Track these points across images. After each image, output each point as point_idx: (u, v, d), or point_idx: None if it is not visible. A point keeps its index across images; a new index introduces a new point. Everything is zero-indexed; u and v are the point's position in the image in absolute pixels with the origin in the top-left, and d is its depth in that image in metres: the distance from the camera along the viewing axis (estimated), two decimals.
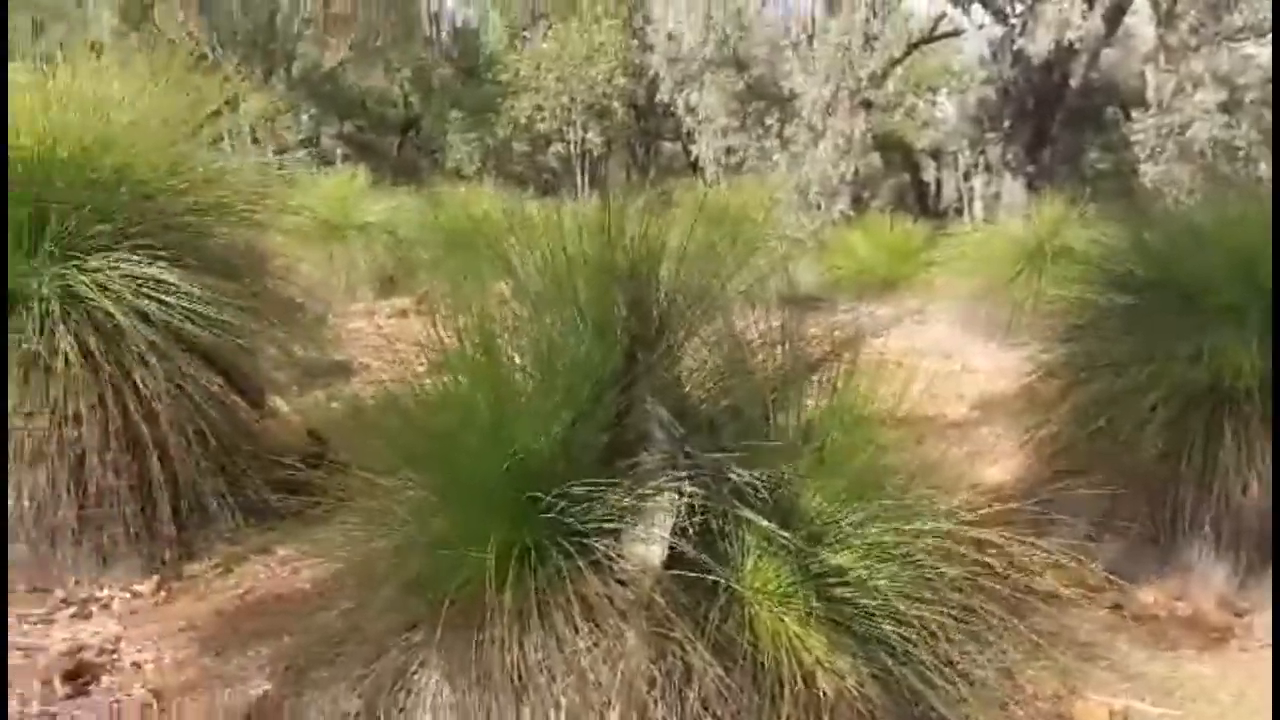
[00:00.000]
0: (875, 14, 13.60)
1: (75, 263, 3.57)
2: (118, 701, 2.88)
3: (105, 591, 3.61)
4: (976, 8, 15.17)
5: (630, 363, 2.35)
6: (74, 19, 17.20)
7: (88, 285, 3.50)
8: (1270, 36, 12.03)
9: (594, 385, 2.28)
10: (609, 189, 23.05)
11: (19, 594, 3.52)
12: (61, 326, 3.43)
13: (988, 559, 2.42)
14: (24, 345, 3.41)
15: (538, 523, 2.22)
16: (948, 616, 2.33)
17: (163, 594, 3.63)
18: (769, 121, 16.56)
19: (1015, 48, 14.08)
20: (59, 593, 3.57)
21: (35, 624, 3.41)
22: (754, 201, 12.37)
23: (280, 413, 4.76)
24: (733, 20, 16.10)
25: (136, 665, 3.13)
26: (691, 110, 16.52)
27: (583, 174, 23.59)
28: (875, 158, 19.92)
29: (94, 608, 3.53)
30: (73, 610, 3.51)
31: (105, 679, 3.03)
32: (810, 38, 14.16)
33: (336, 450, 5.03)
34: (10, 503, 3.43)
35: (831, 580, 2.39)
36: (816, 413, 2.60)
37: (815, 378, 2.80)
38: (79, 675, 3.00)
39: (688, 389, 2.56)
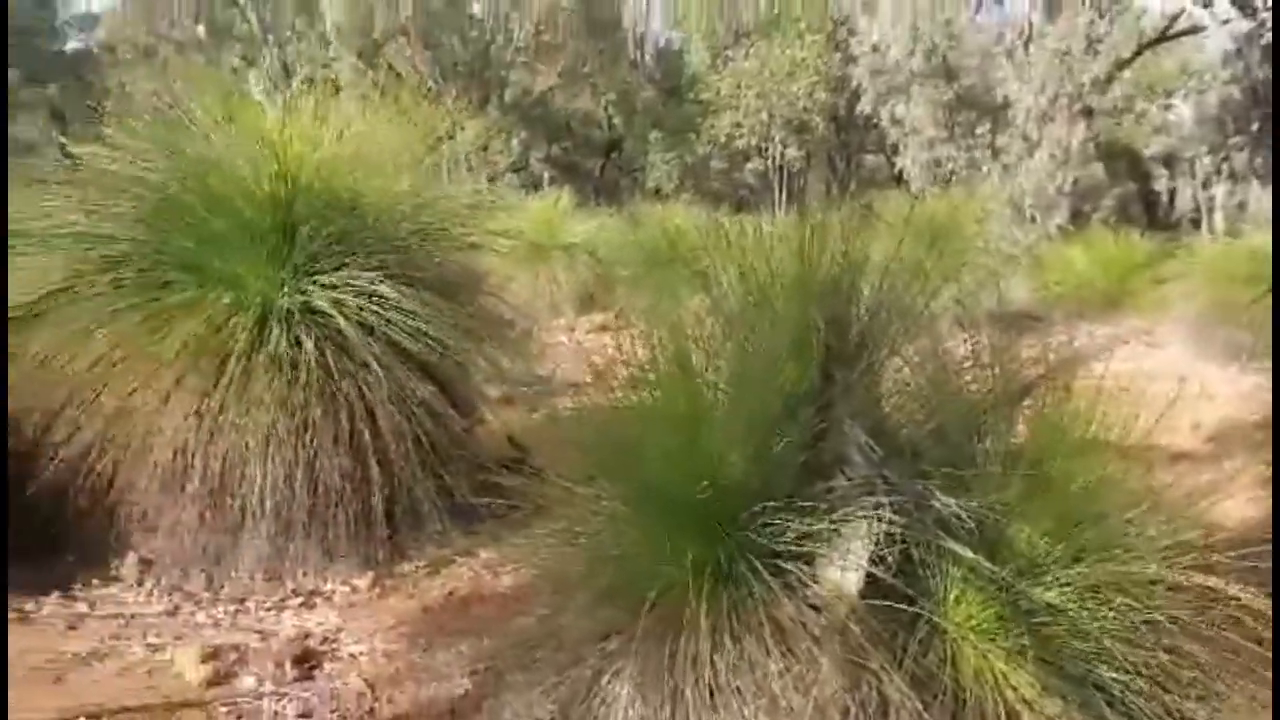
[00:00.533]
0: (1101, 15, 12.80)
1: (315, 279, 3.89)
2: (337, 688, 3.10)
3: (328, 585, 3.90)
4: (1221, 1, 13.96)
5: (827, 381, 2.30)
6: (318, 59, 18.79)
7: (324, 300, 3.81)
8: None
9: (790, 404, 2.25)
10: (807, 203, 22.83)
11: (258, 582, 3.85)
12: (304, 336, 3.74)
13: (1215, 605, 2.20)
14: (270, 350, 3.74)
15: (731, 541, 2.21)
16: (1172, 664, 2.13)
17: (377, 590, 3.88)
18: (979, 131, 15.91)
19: (1264, 42, 12.86)
20: (289, 583, 3.88)
21: (269, 610, 3.73)
22: (963, 215, 11.88)
23: (486, 422, 4.99)
24: (941, 30, 15.57)
25: (353, 656, 3.36)
26: (897, 122, 16.09)
27: (781, 189, 23.46)
28: (1097, 168, 18.73)
29: (318, 599, 3.82)
30: (300, 600, 3.81)
31: (327, 666, 3.27)
32: (1026, 43, 13.47)
33: (536, 459, 5.26)
34: (253, 497, 3.76)
35: (1042, 618, 2.24)
36: (1029, 440, 2.45)
37: (1028, 402, 2.65)
38: (305, 660, 3.25)
39: (888, 410, 2.47)
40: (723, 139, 22.56)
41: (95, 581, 3.96)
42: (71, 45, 29.25)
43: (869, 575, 2.16)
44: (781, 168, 22.98)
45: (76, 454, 3.76)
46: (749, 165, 24.21)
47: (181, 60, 23.15)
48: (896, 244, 2.71)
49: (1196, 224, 15.93)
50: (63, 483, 3.75)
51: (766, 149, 22.86)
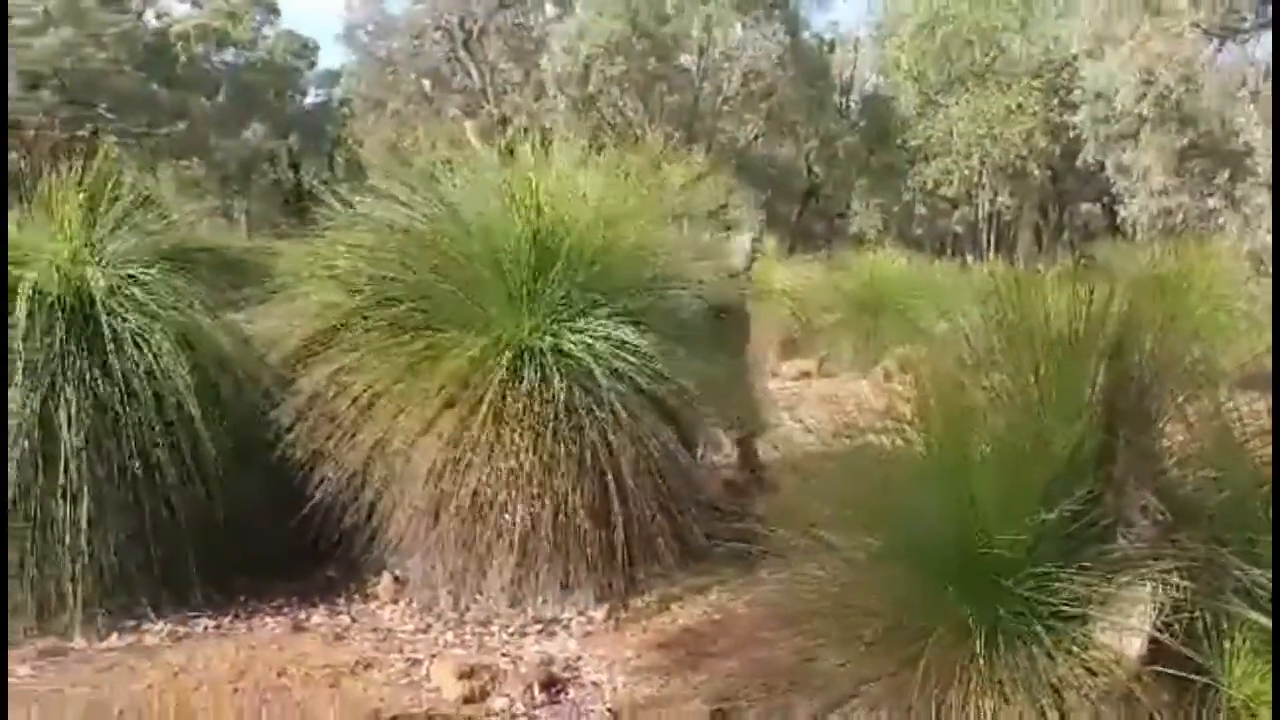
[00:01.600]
0: None
1: (564, 324, 4.13)
2: (583, 713, 3.24)
3: (566, 614, 4.07)
4: None
5: (1109, 441, 2.25)
6: (533, 111, 19.83)
7: (573, 343, 4.03)
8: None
9: (1069, 462, 2.21)
10: (1018, 253, 21.88)
11: (501, 607, 4.07)
12: (553, 376, 3.96)
13: None
14: (522, 389, 3.98)
15: (1005, 600, 2.18)
16: None
17: (612, 622, 4.02)
18: (1217, 180, 14.85)
19: None
20: (530, 611, 4.08)
21: (512, 634, 3.95)
22: (1198, 269, 11.11)
23: (714, 464, 5.10)
24: (1176, 72, 14.68)
25: (595, 684, 3.49)
26: (1123, 170, 15.25)
27: (990, 236, 22.68)
28: None
29: (557, 628, 4.00)
30: (540, 627, 4.00)
31: (572, 691, 3.42)
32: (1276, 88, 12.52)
33: (761, 503, 5.30)
34: (501, 527, 3.99)
35: None
36: None
37: None
38: (551, 685, 3.42)
39: (1172, 472, 2.38)
40: (929, 185, 22.10)
41: (356, 597, 4.32)
42: (310, 99, 32.18)
43: (1154, 640, 2.08)
44: (991, 216, 22.23)
45: (343, 480, 4.11)
46: (957, 213, 23.56)
47: (410, 112, 24.86)
48: (1164, 302, 2.63)
49: None
50: (330, 505, 4.11)
51: (975, 196, 22.19)
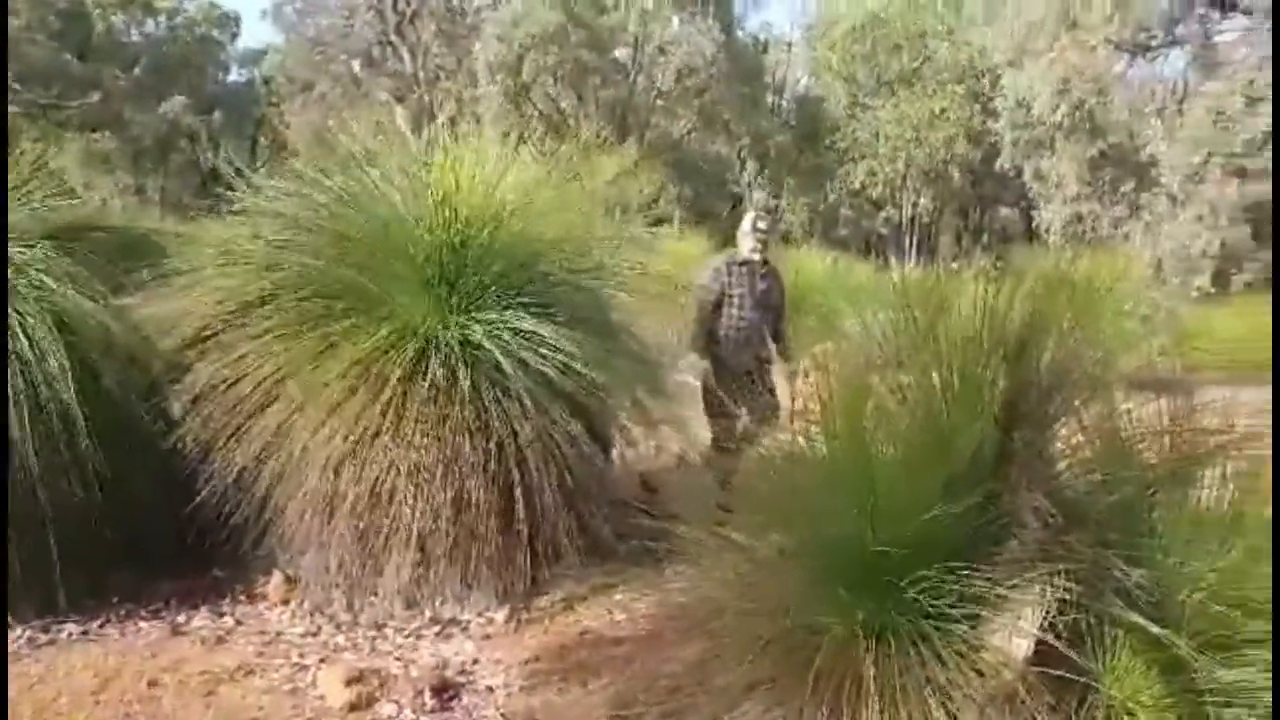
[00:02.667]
0: (1262, 71, 12.23)
1: (475, 315, 4.01)
2: None
3: (465, 615, 3.96)
4: None
5: (1005, 443, 2.23)
6: (465, 99, 19.55)
7: (482, 334, 3.91)
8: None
9: (970, 464, 2.19)
10: (939, 254, 22.32)
11: (396, 609, 3.94)
12: (460, 368, 3.84)
13: None
14: (426, 381, 3.86)
15: (897, 601, 2.15)
16: None
17: (514, 624, 3.92)
18: (1123, 189, 15.35)
19: None
20: (428, 612, 3.95)
21: (407, 637, 3.82)
22: (1104, 274, 11.45)
23: (623, 460, 5.02)
24: (1089, 85, 15.12)
25: (490, 689, 3.39)
26: (1041, 177, 15.67)
27: (912, 238, 23.10)
28: (1245, 230, 17.79)
29: (455, 630, 3.88)
30: (438, 629, 3.88)
31: (465, 698, 3.31)
32: (1180, 101, 12.99)
33: (667, 500, 5.24)
34: (398, 525, 3.85)
35: (1221, 697, 2.12)
36: (1215, 511, 2.32)
37: (1208, 470, 2.51)
38: (444, 691, 3.31)
39: (1063, 475, 2.38)
40: (856, 186, 22.41)
41: (243, 598, 4.13)
42: (233, 78, 31.28)
43: (1039, 642, 2.08)
44: (914, 218, 22.65)
45: (234, 474, 3.93)
46: (881, 214, 23.95)
47: (338, 95, 24.34)
48: (1062, 303, 2.63)
49: None
50: (218, 500, 3.92)
51: (899, 198, 22.58)
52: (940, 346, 2.52)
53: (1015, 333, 2.35)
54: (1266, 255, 19.24)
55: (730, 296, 5.37)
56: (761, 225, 5.53)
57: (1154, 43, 13.99)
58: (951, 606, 2.16)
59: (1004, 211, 26.04)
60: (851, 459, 2.40)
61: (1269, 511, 2.22)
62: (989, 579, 2.14)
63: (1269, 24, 12.24)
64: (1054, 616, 2.11)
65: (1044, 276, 2.89)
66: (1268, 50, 12.14)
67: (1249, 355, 10.40)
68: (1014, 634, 2.11)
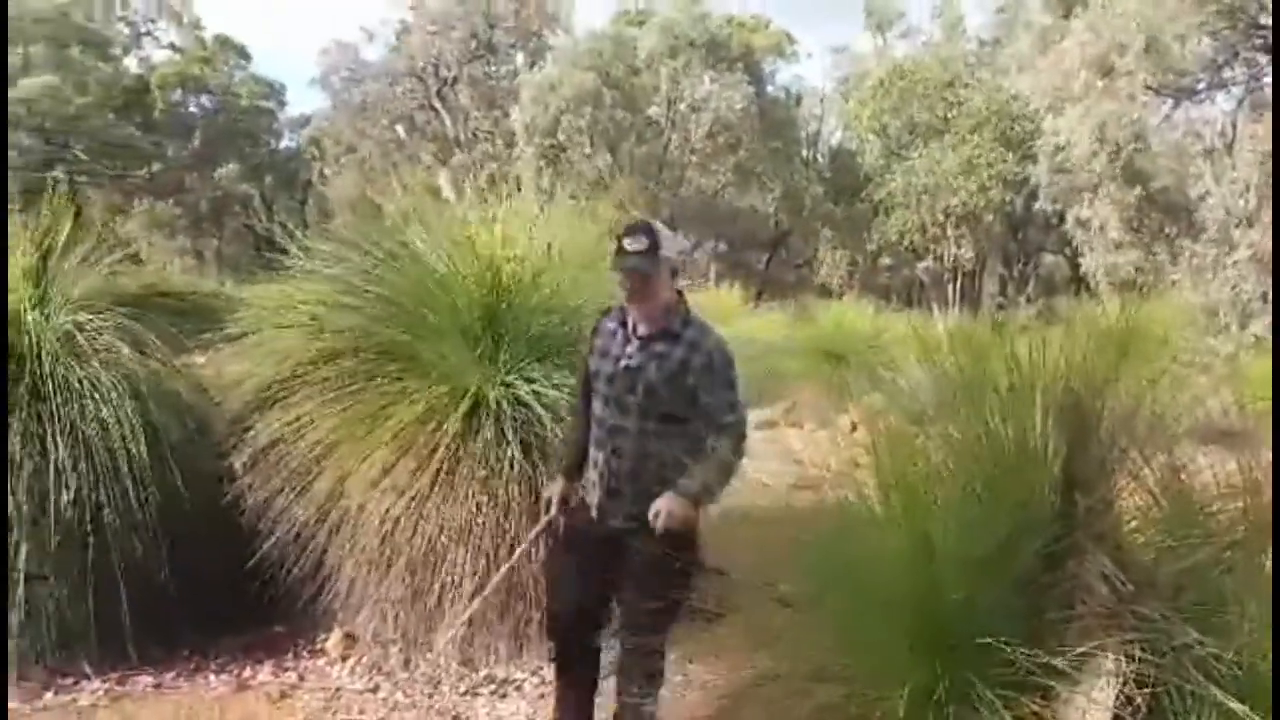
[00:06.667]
0: None
1: (520, 374, 4.06)
2: None
3: (519, 674, 3.94)
4: None
5: (1067, 503, 2.21)
6: (501, 157, 19.94)
7: (529, 394, 3.96)
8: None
9: (1027, 523, 2.16)
10: (982, 303, 22.14)
11: (452, 666, 3.94)
12: (508, 428, 3.89)
13: None
14: (478, 440, 3.90)
15: (962, 667, 2.11)
16: None
17: None
18: (1169, 234, 15.19)
19: None
20: (482, 669, 3.95)
21: (463, 695, 3.82)
22: (1154, 322, 11.26)
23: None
24: (1128, 130, 15.06)
25: None
26: (1083, 223, 15.56)
27: (955, 287, 22.99)
28: None
29: (509, 688, 3.87)
30: (493, 688, 3.87)
31: None
32: (1229, 144, 12.86)
33: (715, 556, 5.21)
34: (452, 582, 3.88)
35: None
36: None
37: None
38: None
39: (1131, 537, 2.34)
40: (894, 236, 22.41)
41: (305, 653, 4.17)
42: (283, 143, 32.29)
43: (1116, 716, 2.02)
44: (955, 267, 22.55)
45: (293, 531, 4.00)
46: (922, 264, 23.88)
47: (382, 157, 24.94)
48: (1114, 353, 2.60)
49: None
50: (277, 558, 4.00)
51: (938, 247, 22.53)
52: (990, 400, 2.51)
53: (1069, 385, 2.32)
54: None
55: (595, 378, 3.02)
56: (633, 245, 2.87)
57: (1198, 86, 13.92)
58: (1018, 675, 2.12)
59: (1048, 259, 25.86)
60: (904, 518, 2.37)
61: None
62: (1059, 647, 2.09)
63: None
64: (1129, 689, 2.05)
65: (1095, 325, 2.86)
66: None
67: None
68: (1089, 708, 2.05)
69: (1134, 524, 2.40)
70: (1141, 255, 15.52)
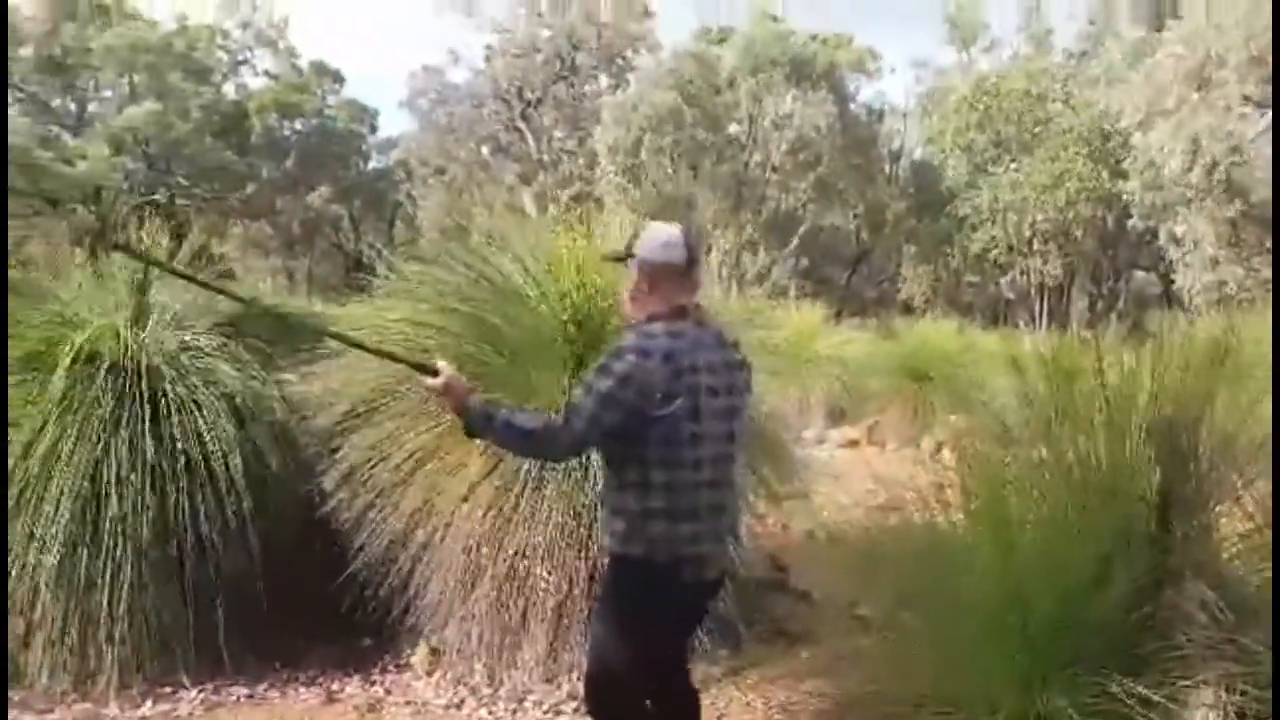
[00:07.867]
0: None
1: None
2: None
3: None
4: None
5: (1163, 530, 2.15)
6: (585, 177, 20.20)
7: None
8: None
9: (1122, 549, 2.11)
10: (1076, 321, 21.55)
11: (535, 681, 3.98)
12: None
13: None
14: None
15: (1053, 699, 2.07)
16: None
17: None
18: (1270, 249, 14.59)
19: None
20: (565, 686, 3.97)
21: (546, 712, 3.85)
22: (1256, 342, 10.80)
23: (751, 536, 4.97)
24: (1224, 143, 14.53)
25: None
26: (1176, 240, 15.05)
27: (1042, 304, 22.44)
28: None
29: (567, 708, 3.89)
30: (575, 704, 3.87)
31: None
32: None
33: (797, 578, 5.16)
34: (536, 598, 3.93)
35: None
36: None
37: None
38: None
39: (1230, 565, 2.27)
40: (978, 252, 21.99)
41: (391, 668, 4.26)
42: (372, 164, 33.20)
43: None
44: (1041, 284, 22.01)
45: (382, 547, 4.11)
46: (1005, 279, 23.38)
47: (468, 178, 25.47)
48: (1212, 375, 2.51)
49: None
50: (368, 572, 4.10)
51: (1023, 264, 22.03)
52: (1081, 421, 2.45)
53: (1165, 406, 2.26)
54: None
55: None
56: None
57: None
58: (1116, 706, 2.07)
59: (1139, 275, 25.07)
60: (992, 543, 2.34)
61: None
62: (1158, 679, 2.04)
63: None
64: None
65: (1191, 343, 2.76)
66: None
67: None
68: None
69: (1235, 551, 2.32)
70: (1240, 271, 14.93)
